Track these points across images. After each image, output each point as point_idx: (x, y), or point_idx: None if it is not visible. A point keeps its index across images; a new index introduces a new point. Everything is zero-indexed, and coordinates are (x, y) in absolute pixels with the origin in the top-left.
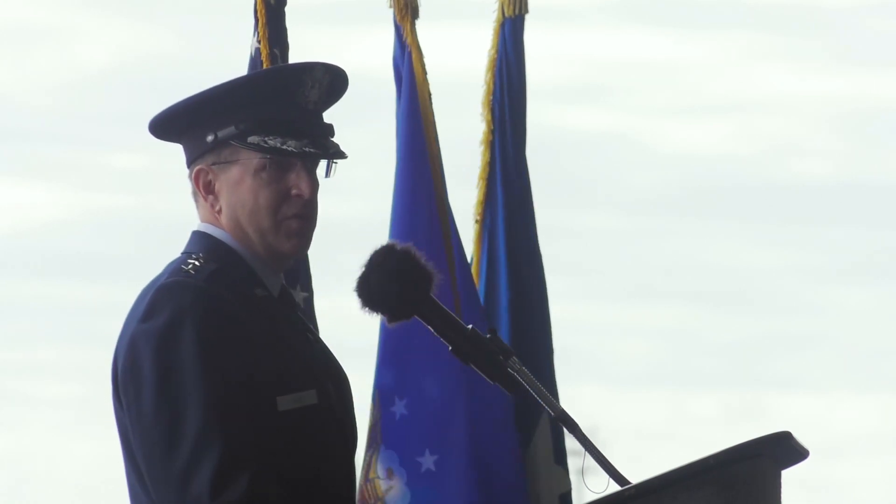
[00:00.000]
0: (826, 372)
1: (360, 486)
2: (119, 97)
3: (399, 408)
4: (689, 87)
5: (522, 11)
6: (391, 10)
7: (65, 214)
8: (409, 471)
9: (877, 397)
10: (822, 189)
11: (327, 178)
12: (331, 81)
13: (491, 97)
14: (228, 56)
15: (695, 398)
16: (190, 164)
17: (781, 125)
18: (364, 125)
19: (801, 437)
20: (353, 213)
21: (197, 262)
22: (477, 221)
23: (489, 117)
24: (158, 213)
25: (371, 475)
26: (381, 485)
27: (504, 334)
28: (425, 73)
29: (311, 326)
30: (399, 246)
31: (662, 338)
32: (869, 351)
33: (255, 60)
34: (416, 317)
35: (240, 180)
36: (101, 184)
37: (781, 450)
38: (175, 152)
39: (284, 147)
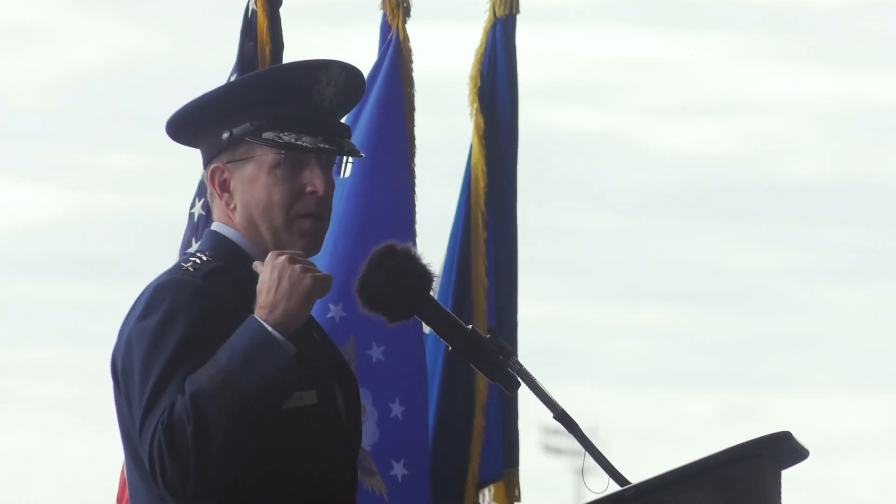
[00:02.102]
0: (822, 372)
1: None
2: (113, 97)
3: (376, 353)
4: (682, 88)
5: (514, 11)
6: (382, 11)
7: (60, 214)
8: (381, 412)
9: (873, 397)
10: (816, 189)
11: (340, 177)
12: (346, 80)
13: (477, 95)
14: (221, 56)
15: (691, 398)
16: (206, 163)
17: (774, 125)
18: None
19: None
20: None
21: (198, 261)
22: (479, 210)
23: (479, 119)
24: (154, 212)
25: None
26: None
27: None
28: (412, 70)
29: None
30: (399, 246)
31: (658, 338)
32: (864, 351)
33: (243, 61)
34: (415, 316)
35: (254, 177)
36: (97, 183)
37: (781, 450)
38: (170, 152)
39: (299, 143)
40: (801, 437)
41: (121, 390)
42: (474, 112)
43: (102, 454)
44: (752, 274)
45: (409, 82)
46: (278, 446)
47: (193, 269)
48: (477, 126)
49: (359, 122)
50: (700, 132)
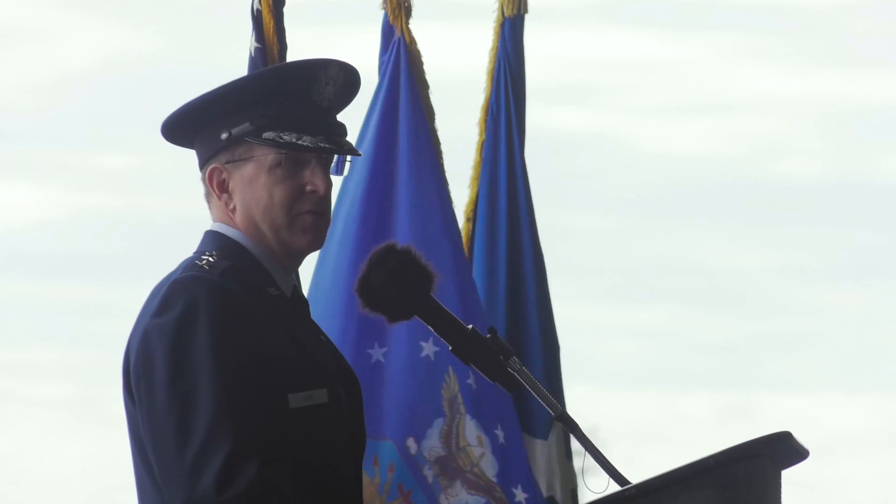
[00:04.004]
0: (817, 372)
1: (453, 454)
2: (104, 97)
3: (472, 382)
4: (680, 88)
5: (522, 11)
6: (383, 11)
7: (52, 215)
8: (492, 441)
9: (868, 397)
10: (812, 189)
11: (339, 176)
12: (344, 79)
13: (489, 99)
14: (214, 56)
15: (686, 398)
16: (203, 164)
17: (768, 125)
18: (350, 123)
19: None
20: None
21: (211, 259)
22: (469, 220)
23: (482, 117)
24: (147, 212)
25: (462, 443)
26: (474, 451)
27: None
28: (424, 72)
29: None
30: (399, 246)
31: (652, 338)
32: (859, 351)
33: (255, 61)
34: (416, 316)
35: (254, 177)
36: (89, 184)
37: (781, 450)
38: (164, 153)
39: (300, 142)
40: (799, 437)
41: (132, 388)
42: (482, 115)
43: (95, 454)
44: (750, 274)
45: (423, 84)
46: (291, 445)
47: (209, 266)
48: (481, 124)
49: (394, 131)
50: (698, 132)
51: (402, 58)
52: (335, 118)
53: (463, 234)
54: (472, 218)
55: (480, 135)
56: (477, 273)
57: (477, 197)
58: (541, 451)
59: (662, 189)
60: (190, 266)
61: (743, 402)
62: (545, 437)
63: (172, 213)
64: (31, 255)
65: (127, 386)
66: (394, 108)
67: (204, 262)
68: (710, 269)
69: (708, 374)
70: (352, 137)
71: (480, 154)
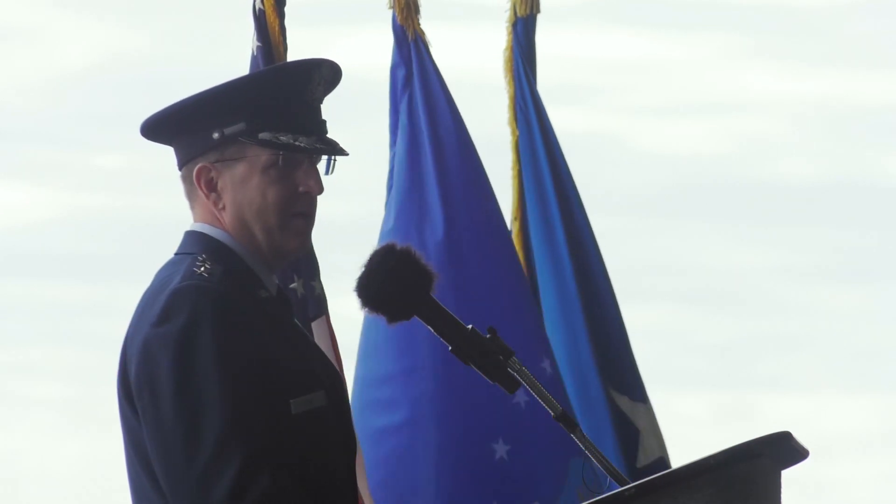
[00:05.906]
0: (814, 372)
1: None
2: (103, 97)
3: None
4: (675, 88)
5: (535, 10)
6: (391, 11)
7: (51, 215)
8: None
9: (865, 398)
10: (808, 189)
11: (327, 175)
12: (332, 79)
13: (514, 98)
14: (213, 55)
15: (685, 398)
16: (187, 162)
17: (768, 125)
18: (351, 124)
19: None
20: (342, 213)
21: (207, 265)
22: (516, 219)
23: (511, 116)
24: (146, 213)
25: None
26: None
27: (581, 332)
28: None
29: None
30: (399, 246)
31: (649, 338)
32: (856, 351)
33: (257, 61)
34: (415, 317)
35: (247, 177)
36: (84, 184)
37: (781, 450)
38: (158, 152)
39: (297, 144)
40: (799, 437)
41: (133, 397)
42: (510, 115)
43: (98, 455)
44: (749, 274)
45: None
46: (295, 450)
47: (208, 273)
48: (511, 123)
49: (459, 129)
50: (698, 132)
51: (430, 58)
52: (321, 116)
53: (513, 234)
54: (520, 217)
55: (513, 133)
56: (543, 282)
57: (521, 196)
58: (644, 414)
59: (662, 189)
60: (189, 274)
61: (742, 402)
62: (645, 401)
63: (172, 214)
64: (31, 255)
65: (126, 394)
66: (450, 105)
67: (202, 269)
68: (709, 269)
69: (707, 374)
70: (378, 130)
71: (517, 153)
